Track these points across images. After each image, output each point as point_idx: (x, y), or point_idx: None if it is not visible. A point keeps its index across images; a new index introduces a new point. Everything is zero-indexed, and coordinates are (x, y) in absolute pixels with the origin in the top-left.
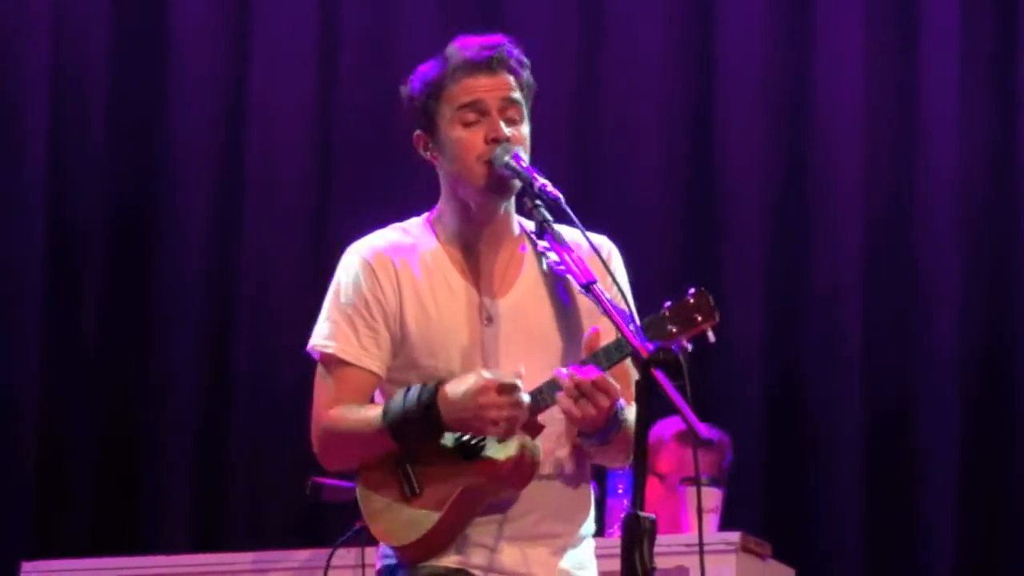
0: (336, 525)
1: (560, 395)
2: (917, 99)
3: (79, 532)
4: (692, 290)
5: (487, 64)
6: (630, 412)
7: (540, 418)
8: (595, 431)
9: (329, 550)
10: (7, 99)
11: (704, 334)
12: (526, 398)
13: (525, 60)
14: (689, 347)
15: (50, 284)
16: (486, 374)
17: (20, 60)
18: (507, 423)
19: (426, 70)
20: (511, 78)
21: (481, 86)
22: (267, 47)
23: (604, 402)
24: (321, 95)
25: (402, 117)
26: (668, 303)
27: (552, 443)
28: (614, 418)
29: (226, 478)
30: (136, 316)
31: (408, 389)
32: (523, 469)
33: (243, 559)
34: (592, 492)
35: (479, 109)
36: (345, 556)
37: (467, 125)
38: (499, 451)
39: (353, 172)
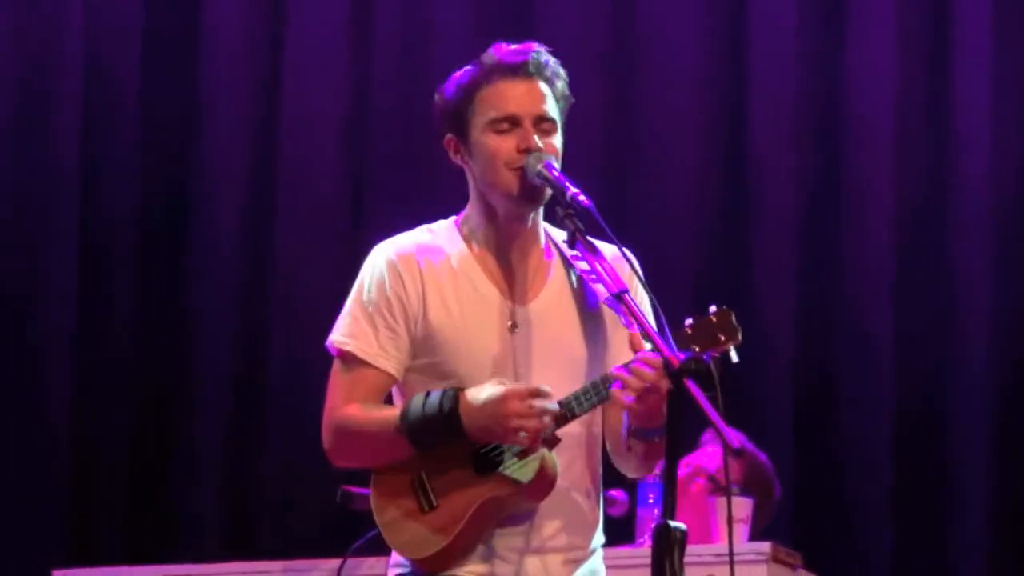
0: (365, 533)
1: (621, 389)
2: (949, 103)
3: (109, 540)
4: (713, 308)
5: (523, 68)
6: None
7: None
8: (654, 426)
9: (358, 559)
10: (40, 102)
11: (727, 353)
12: (553, 407)
13: (562, 72)
14: (716, 355)
15: (82, 291)
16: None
17: (53, 64)
18: (531, 433)
19: (460, 75)
20: (546, 87)
21: (516, 94)
22: (300, 53)
23: (666, 385)
24: (354, 101)
25: (434, 122)
26: (689, 320)
27: (569, 455)
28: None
29: (257, 486)
30: (167, 324)
31: (428, 394)
32: (544, 483)
33: (273, 567)
34: (601, 505)
35: (513, 121)
36: (376, 566)
37: (500, 132)
38: (518, 468)
39: (386, 179)
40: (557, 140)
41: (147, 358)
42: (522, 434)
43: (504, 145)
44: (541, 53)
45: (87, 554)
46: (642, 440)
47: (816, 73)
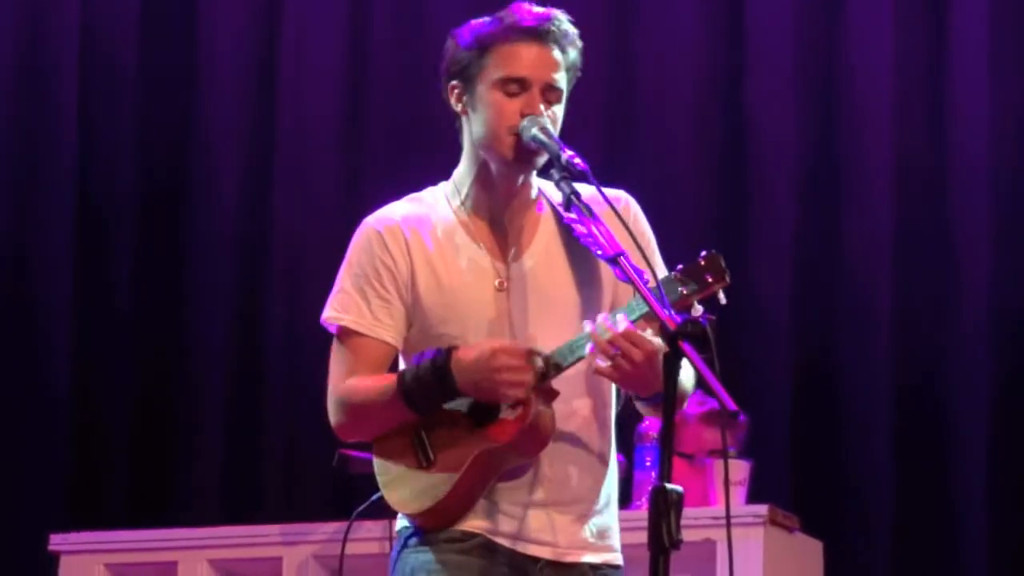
0: (364, 497)
1: (592, 354)
2: (947, 68)
3: (109, 504)
4: (704, 252)
5: (543, 33)
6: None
7: (554, 383)
8: (645, 391)
9: (360, 522)
10: (38, 66)
11: (715, 296)
12: (539, 363)
13: (578, 42)
14: (712, 317)
15: (81, 257)
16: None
17: (52, 26)
18: (518, 385)
19: (479, 25)
20: (560, 55)
21: (530, 57)
22: (299, 17)
23: (637, 355)
24: (352, 66)
25: (441, 64)
26: (680, 266)
27: (569, 407)
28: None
29: (257, 450)
30: (167, 288)
31: (422, 354)
32: (535, 434)
33: (272, 531)
34: (615, 454)
35: (523, 85)
36: (372, 528)
37: (507, 93)
38: (510, 415)
39: (383, 143)
40: (559, 110)
41: (147, 322)
42: (512, 387)
43: (509, 107)
44: (563, 21)
45: (86, 518)
46: (645, 404)
47: (814, 33)
